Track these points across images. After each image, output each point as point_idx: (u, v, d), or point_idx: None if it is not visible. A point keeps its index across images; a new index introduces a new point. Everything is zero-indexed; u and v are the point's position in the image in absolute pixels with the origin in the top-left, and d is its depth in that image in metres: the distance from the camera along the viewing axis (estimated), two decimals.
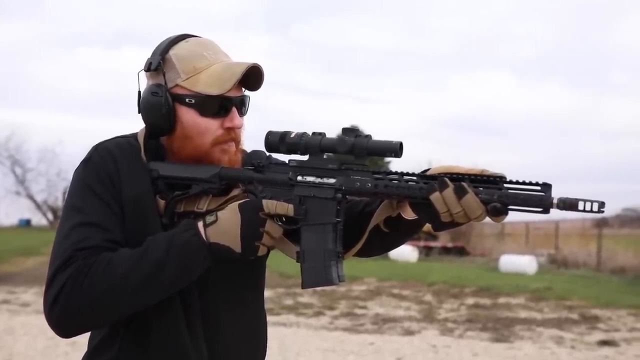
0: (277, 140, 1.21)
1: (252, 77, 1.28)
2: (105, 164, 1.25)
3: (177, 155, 1.28)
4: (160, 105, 1.24)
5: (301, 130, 1.22)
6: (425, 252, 20.77)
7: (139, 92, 1.30)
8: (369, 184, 1.17)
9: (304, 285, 1.19)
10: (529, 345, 7.13)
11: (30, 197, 35.07)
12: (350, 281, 12.09)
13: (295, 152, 1.22)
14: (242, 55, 1.31)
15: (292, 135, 1.21)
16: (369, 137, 1.17)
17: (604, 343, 7.25)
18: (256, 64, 1.26)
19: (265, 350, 1.40)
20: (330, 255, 1.18)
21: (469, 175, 1.12)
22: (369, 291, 11.59)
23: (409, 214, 1.22)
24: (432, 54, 59.90)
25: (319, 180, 1.20)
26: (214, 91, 1.24)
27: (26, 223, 37.96)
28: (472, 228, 25.61)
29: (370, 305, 9.97)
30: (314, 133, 1.21)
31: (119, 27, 59.87)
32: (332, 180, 1.19)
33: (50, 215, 36.92)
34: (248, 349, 1.34)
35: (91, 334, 1.32)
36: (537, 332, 7.86)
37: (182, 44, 1.29)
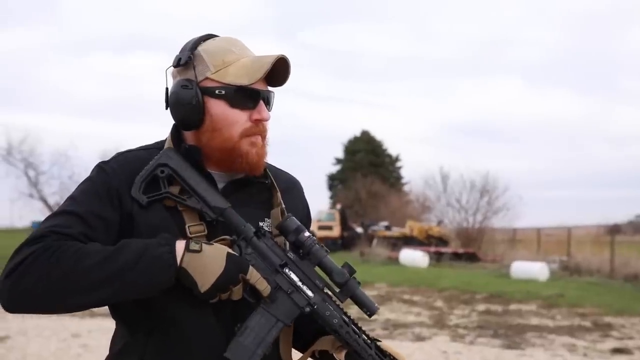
0: (291, 228, 1.25)
1: (278, 72, 1.30)
2: (117, 174, 1.26)
3: (205, 149, 1.29)
4: (191, 97, 1.26)
5: (310, 235, 1.27)
6: (436, 257, 20.67)
7: (167, 88, 1.31)
8: (336, 320, 1.25)
9: (226, 354, 1.20)
10: (540, 352, 7.07)
11: (43, 200, 35.29)
12: (361, 286, 11.99)
13: (297, 249, 1.26)
14: None
15: (306, 235, 1.25)
16: (359, 284, 1.26)
17: (617, 351, 7.18)
18: (284, 55, 1.27)
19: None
20: (264, 348, 1.21)
21: None
22: (379, 296, 11.56)
23: (341, 357, 1.32)
24: (440, 60, 59.69)
25: (299, 284, 1.24)
26: (244, 81, 1.26)
27: (39, 226, 38.15)
28: (483, 234, 25.54)
29: (381, 310, 9.94)
30: (322, 246, 1.25)
31: (129, 34, 60.17)
32: (310, 293, 1.25)
33: None
34: (274, 351, 1.33)
35: (113, 338, 1.33)
36: (549, 340, 7.80)
37: (209, 41, 1.31)
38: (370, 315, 1.27)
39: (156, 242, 1.17)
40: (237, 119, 1.27)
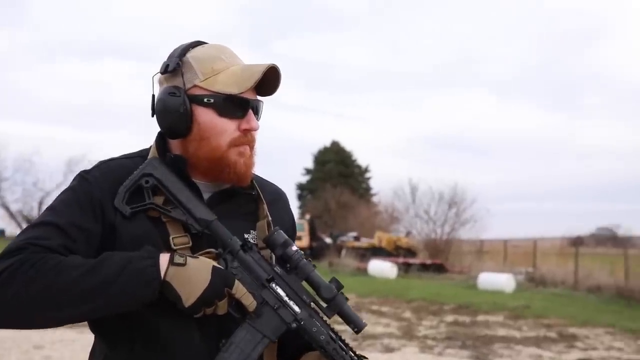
0: (279, 242, 1.23)
1: (268, 82, 1.27)
2: (99, 184, 1.23)
3: (192, 158, 1.26)
4: (178, 105, 1.23)
5: (300, 250, 1.24)
6: (405, 268, 20.77)
7: (153, 95, 1.28)
8: (323, 337, 1.23)
9: None
10: None
11: (5, 207, 34.51)
12: None
13: (284, 263, 1.23)
14: None
15: (294, 249, 1.23)
16: (347, 300, 1.24)
17: None
18: (275, 65, 1.25)
19: None
20: None
21: None
22: None
23: None
24: (411, 73, 60.44)
25: (286, 299, 1.22)
26: (233, 90, 1.23)
27: (0, 233, 37.24)
28: (451, 245, 25.79)
29: None
30: (309, 260, 1.23)
31: (99, 39, 59.22)
32: (297, 309, 1.22)
33: (25, 225, 36.30)
34: None
35: (92, 352, 1.28)
36: (516, 350, 7.89)
37: (198, 48, 1.29)
38: (357, 332, 1.25)
39: (139, 255, 1.14)
40: (225, 128, 1.25)
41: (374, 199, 39.49)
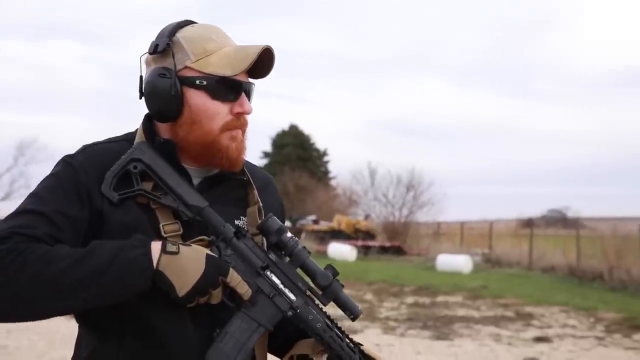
0: (273, 229, 1.19)
1: (263, 63, 1.23)
2: (85, 169, 1.17)
3: (182, 142, 1.21)
4: (169, 87, 1.17)
5: (295, 237, 1.22)
6: (364, 251, 20.97)
7: (141, 77, 1.23)
8: (319, 325, 1.20)
9: (207, 357, 1.15)
10: (468, 342, 7.31)
11: None
12: None
13: (278, 250, 1.20)
14: None
15: (288, 236, 1.19)
16: (342, 286, 1.22)
17: (539, 339, 7.53)
18: (269, 46, 1.21)
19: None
20: (245, 354, 1.16)
21: None
22: None
23: None
24: (369, 58, 60.58)
25: (282, 287, 1.19)
26: (227, 72, 1.19)
27: None
28: (409, 227, 26.15)
29: None
30: (304, 247, 1.20)
31: (46, 20, 57.38)
32: (292, 297, 1.20)
33: None
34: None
35: (77, 344, 1.23)
36: (475, 330, 8.07)
37: (188, 27, 1.23)
38: (353, 319, 1.23)
39: (130, 244, 1.09)
40: (217, 111, 1.20)
41: (333, 182, 39.64)
